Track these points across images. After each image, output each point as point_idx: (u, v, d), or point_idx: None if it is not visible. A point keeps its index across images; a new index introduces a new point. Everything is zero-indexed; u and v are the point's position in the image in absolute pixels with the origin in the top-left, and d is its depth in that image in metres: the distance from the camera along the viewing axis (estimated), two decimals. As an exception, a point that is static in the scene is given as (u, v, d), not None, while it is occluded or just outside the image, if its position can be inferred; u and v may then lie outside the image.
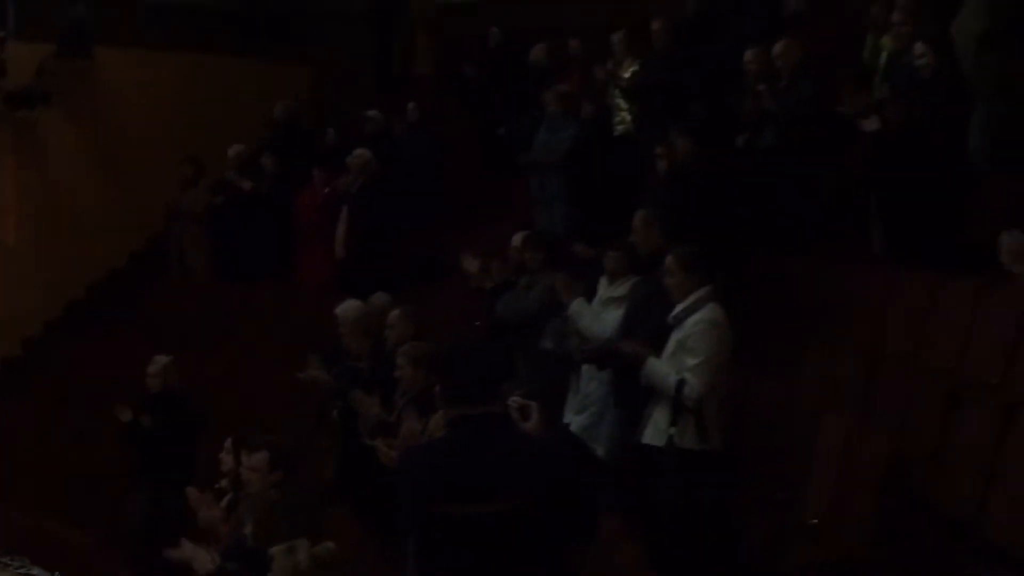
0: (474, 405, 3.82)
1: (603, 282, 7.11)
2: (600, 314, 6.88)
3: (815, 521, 5.90)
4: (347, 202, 11.24)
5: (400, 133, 12.43)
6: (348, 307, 8.34)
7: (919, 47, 7.76)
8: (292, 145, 13.11)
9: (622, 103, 10.35)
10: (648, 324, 6.42)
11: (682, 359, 6.00)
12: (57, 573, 7.71)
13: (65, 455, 10.75)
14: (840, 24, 10.57)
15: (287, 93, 14.43)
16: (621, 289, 6.91)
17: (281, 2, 15.73)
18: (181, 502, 7.63)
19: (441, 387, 4.17)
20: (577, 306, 6.89)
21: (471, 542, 3.85)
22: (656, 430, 6.14)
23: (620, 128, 10.17)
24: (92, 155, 13.91)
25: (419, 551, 4.16)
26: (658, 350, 6.14)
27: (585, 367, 7.00)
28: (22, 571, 7.73)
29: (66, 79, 13.43)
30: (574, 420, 7.11)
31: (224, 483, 7.40)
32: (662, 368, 6.04)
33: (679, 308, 6.15)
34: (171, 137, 14.00)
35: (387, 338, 7.94)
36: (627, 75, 10.54)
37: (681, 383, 5.92)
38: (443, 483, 3.89)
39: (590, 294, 7.08)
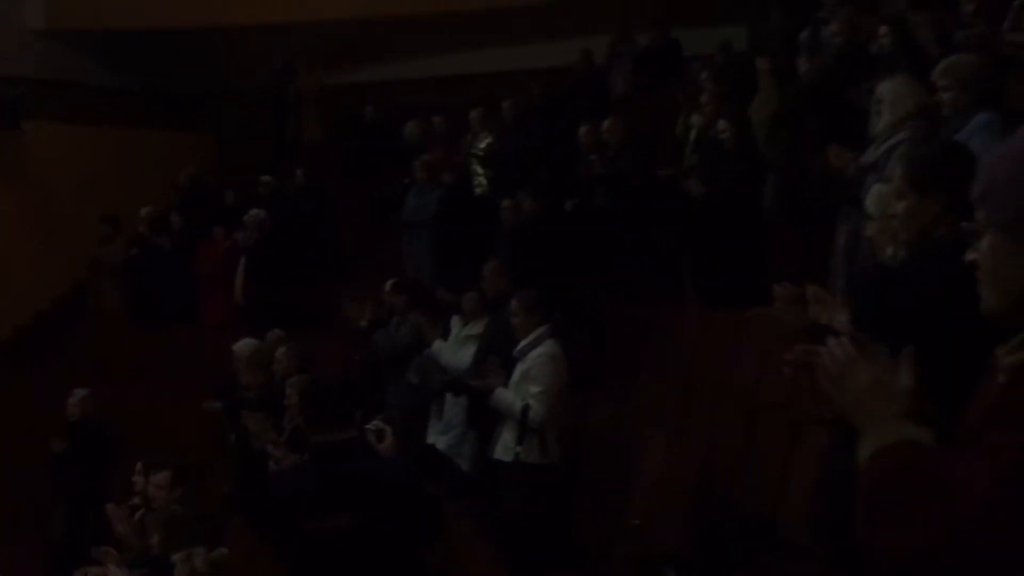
0: (330, 432, 3.91)
1: (457, 322, 7.16)
2: (458, 350, 6.94)
3: (637, 521, 6.00)
4: (244, 254, 11.21)
5: (290, 195, 12.44)
6: (243, 345, 8.28)
7: (722, 124, 7.93)
8: (196, 205, 13.04)
9: (479, 169, 10.40)
10: (499, 357, 6.50)
11: (526, 387, 6.09)
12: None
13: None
14: (658, 104, 10.68)
15: (193, 160, 14.26)
16: (475, 328, 6.98)
17: (189, 82, 15.47)
18: (97, 518, 7.55)
19: (303, 418, 4.27)
20: (438, 344, 6.98)
21: (333, 553, 3.91)
22: (504, 448, 6.22)
23: (478, 190, 10.20)
24: (21, 212, 13.59)
25: (291, 563, 4.20)
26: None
27: (447, 395, 7.05)
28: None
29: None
30: (439, 440, 7.16)
31: (136, 500, 7.29)
32: (508, 396, 6.13)
33: (523, 344, 6.25)
34: (92, 198, 13.69)
35: (275, 371, 7.93)
36: (483, 146, 10.66)
37: (525, 408, 6.01)
38: (305, 502, 3.95)
39: (447, 333, 7.14)
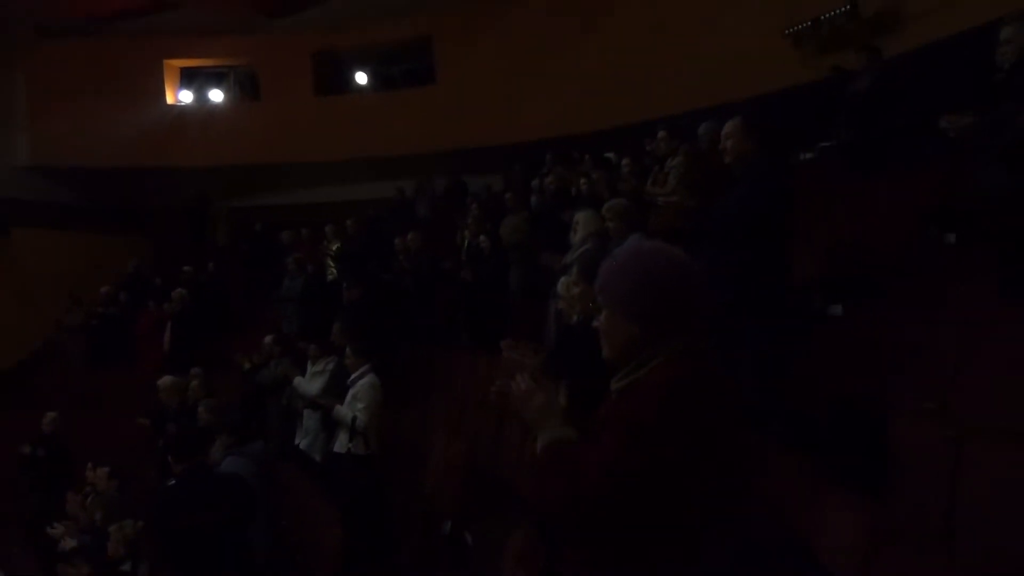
0: (193, 458, 3.94)
1: (311, 364, 7.01)
2: (311, 382, 6.80)
3: (428, 491, 5.98)
4: (171, 320, 10.80)
5: (203, 280, 12.04)
6: (165, 380, 8.06)
7: (482, 237, 8.16)
8: (138, 286, 12.53)
9: (331, 263, 10.32)
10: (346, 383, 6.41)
11: (355, 404, 6.02)
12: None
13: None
14: (446, 224, 10.84)
15: (135, 256, 13.70)
16: (322, 366, 6.86)
17: (135, 202, 14.89)
18: (59, 502, 7.15)
19: (174, 452, 4.29)
20: (298, 380, 6.83)
21: (196, 543, 3.89)
22: (341, 444, 6.10)
23: (330, 277, 10.07)
24: (9, 292, 12.81)
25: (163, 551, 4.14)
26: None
27: (306, 411, 6.89)
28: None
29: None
30: (302, 442, 6.97)
31: (88, 489, 6.93)
32: (343, 410, 6.05)
33: (353, 376, 6.19)
34: (61, 282, 13.03)
35: (189, 397, 7.66)
36: (334, 248, 10.60)
37: (355, 418, 5.93)
38: (177, 507, 3.93)
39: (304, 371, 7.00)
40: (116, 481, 6.41)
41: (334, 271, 10.20)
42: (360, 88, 15.17)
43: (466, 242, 8.99)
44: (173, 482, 4.53)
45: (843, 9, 9.09)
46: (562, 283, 4.12)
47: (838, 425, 3.11)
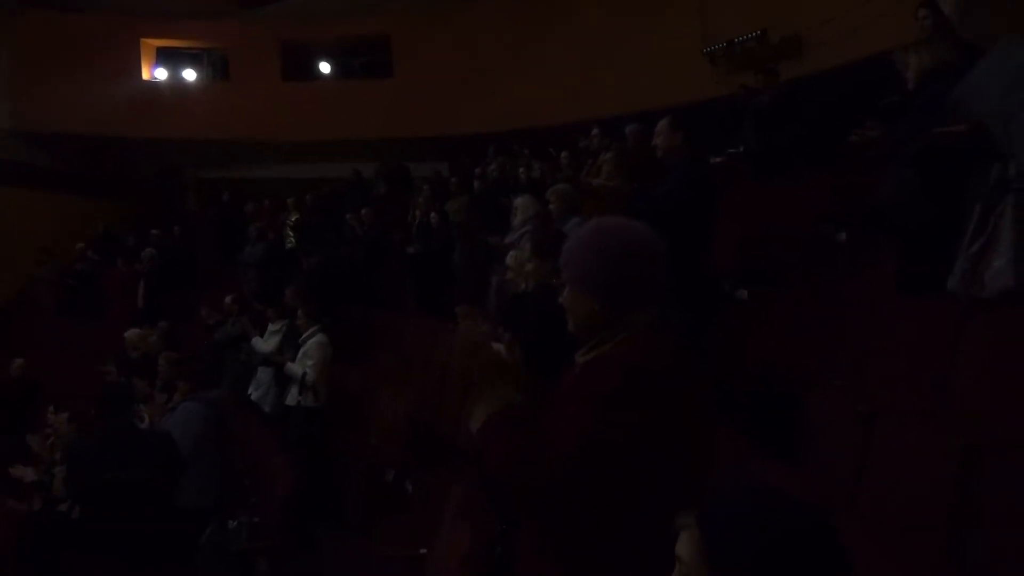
0: (119, 418, 3.63)
1: (270, 325, 6.62)
2: (268, 340, 6.42)
3: (374, 441, 5.72)
4: (143, 278, 10.23)
5: (173, 242, 11.43)
6: (132, 332, 7.64)
7: (432, 215, 7.90)
8: (107, 246, 11.88)
9: (290, 233, 9.87)
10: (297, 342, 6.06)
11: (305, 361, 5.71)
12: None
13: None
14: (399, 202, 10.53)
15: (108, 218, 13.05)
16: (277, 326, 6.47)
17: (109, 167, 14.02)
18: (22, 443, 6.61)
19: (100, 413, 4.00)
20: (256, 338, 6.44)
21: (122, 498, 3.59)
22: (292, 397, 5.82)
23: (288, 245, 9.62)
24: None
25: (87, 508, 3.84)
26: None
27: (260, 367, 6.52)
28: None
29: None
30: (255, 394, 6.59)
31: (49, 431, 6.46)
32: (295, 367, 5.75)
33: (304, 335, 5.88)
34: (35, 238, 12.19)
35: (153, 348, 7.19)
36: (293, 219, 10.16)
37: (304, 374, 5.64)
38: (101, 462, 3.61)
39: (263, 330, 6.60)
40: (75, 423, 5.94)
41: (292, 240, 9.78)
42: (323, 76, 14.72)
43: (417, 219, 8.69)
44: (92, 437, 4.18)
45: (754, 35, 9.09)
46: (512, 257, 3.88)
47: (756, 399, 2.97)
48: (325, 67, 14.70)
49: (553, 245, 3.09)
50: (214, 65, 14.75)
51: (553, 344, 2.12)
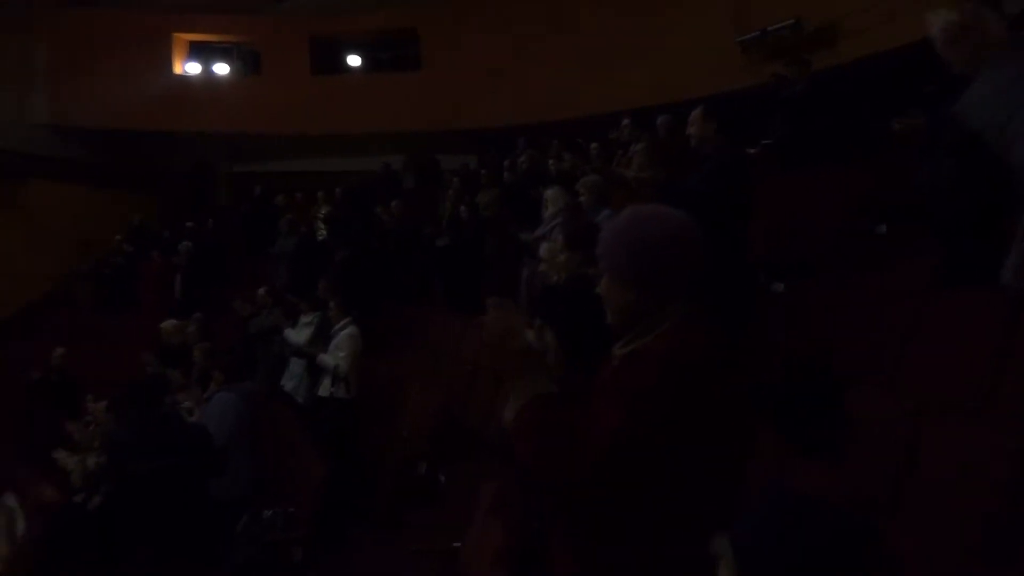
0: (151, 408, 3.62)
1: (302, 317, 6.66)
2: (300, 332, 6.46)
3: (405, 434, 5.72)
4: (179, 270, 10.35)
5: (207, 235, 11.57)
6: (168, 323, 7.78)
7: (462, 208, 7.83)
8: (142, 239, 12.02)
9: (321, 226, 9.92)
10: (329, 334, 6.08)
11: (337, 353, 5.73)
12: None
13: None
14: (429, 195, 10.47)
15: (143, 211, 13.21)
16: (310, 318, 6.52)
17: (144, 162, 14.19)
18: (62, 429, 6.75)
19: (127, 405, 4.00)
20: (288, 330, 6.49)
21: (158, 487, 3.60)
22: (324, 388, 5.86)
23: (319, 237, 9.67)
24: (26, 237, 12.09)
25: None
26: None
27: (293, 358, 6.56)
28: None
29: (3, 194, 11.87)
30: (287, 385, 6.65)
31: (90, 419, 6.60)
32: (327, 358, 5.78)
33: (336, 327, 5.91)
34: (72, 231, 12.51)
35: (187, 340, 7.27)
36: (324, 212, 10.22)
37: (336, 366, 5.65)
38: (138, 451, 3.63)
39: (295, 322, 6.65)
40: (113, 412, 6.02)
41: (323, 232, 9.83)
42: (352, 70, 14.75)
43: (447, 212, 8.66)
44: (130, 426, 4.21)
45: (788, 23, 8.92)
46: (546, 248, 3.84)
47: (794, 395, 2.90)
48: (354, 60, 14.75)
49: (585, 237, 3.05)
50: (245, 59, 14.84)
51: (588, 336, 2.08)
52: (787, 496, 1.03)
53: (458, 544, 3.25)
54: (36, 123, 13.22)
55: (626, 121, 7.25)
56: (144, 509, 3.81)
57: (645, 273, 1.52)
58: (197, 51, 14.64)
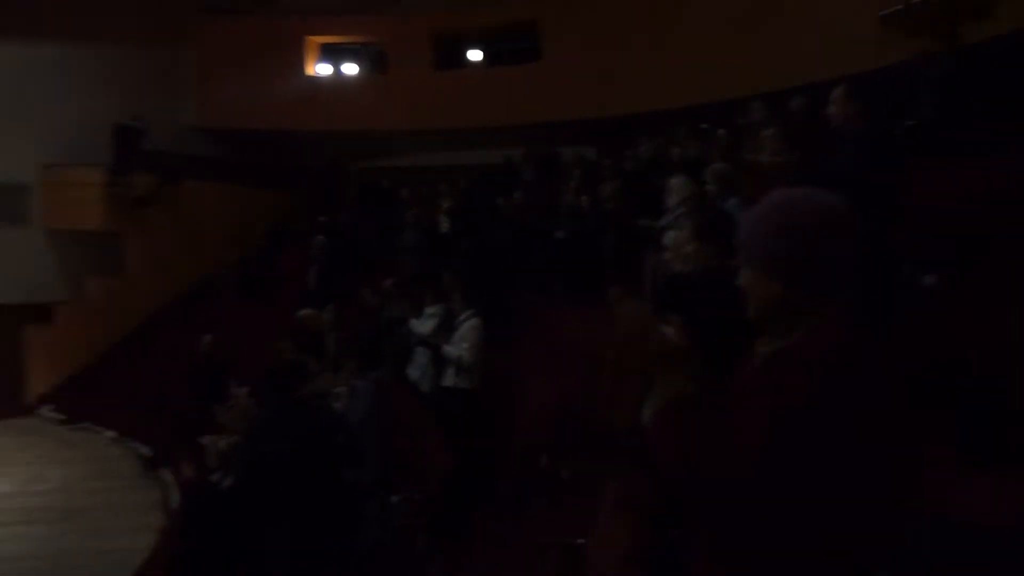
0: (289, 394, 3.74)
1: (426, 307, 6.80)
2: (425, 323, 6.60)
3: (527, 425, 5.72)
4: (315, 262, 10.87)
5: (338, 228, 12.05)
6: (306, 312, 8.02)
7: (583, 198, 7.71)
8: (281, 233, 12.83)
9: (444, 218, 10.12)
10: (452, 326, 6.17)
11: (460, 343, 5.81)
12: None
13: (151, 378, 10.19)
14: (549, 186, 10.37)
15: (282, 207, 14.13)
16: (434, 309, 6.63)
17: (282, 160, 15.09)
18: (211, 413, 7.10)
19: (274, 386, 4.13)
20: (413, 320, 6.65)
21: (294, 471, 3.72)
22: (449, 379, 5.94)
23: (442, 229, 9.86)
24: (179, 232, 13.10)
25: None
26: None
27: (418, 348, 6.71)
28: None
29: (165, 192, 12.71)
30: (412, 374, 6.78)
31: (233, 403, 6.95)
32: (451, 349, 5.85)
33: (460, 318, 5.98)
34: (219, 225, 13.41)
35: (324, 328, 7.64)
36: (446, 205, 10.45)
37: (460, 356, 5.73)
38: (278, 435, 3.77)
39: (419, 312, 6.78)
40: (255, 399, 6.37)
41: (446, 225, 10.01)
42: (473, 64, 14.96)
43: (567, 203, 8.60)
44: (272, 410, 4.38)
45: (936, -6, 8.18)
46: (671, 237, 3.71)
47: (953, 399, 2.63)
48: (475, 55, 14.95)
49: (715, 226, 2.91)
50: (372, 58, 15.39)
51: (721, 331, 1.96)
52: None
53: (582, 541, 3.19)
54: (186, 126, 14.34)
55: (757, 104, 6.91)
56: (277, 491, 3.97)
57: (795, 264, 1.39)
58: (328, 52, 15.36)
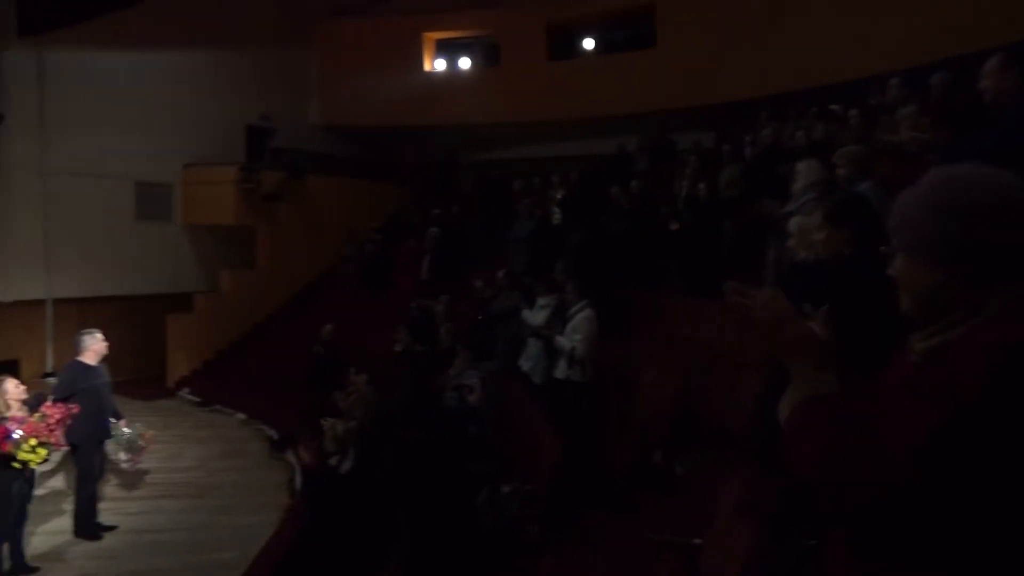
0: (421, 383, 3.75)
1: (538, 299, 6.75)
2: (537, 314, 6.56)
3: (641, 419, 5.57)
4: (428, 254, 11.19)
5: (452, 221, 12.23)
6: (420, 302, 8.33)
7: (701, 186, 7.40)
8: (397, 225, 13.03)
9: (556, 210, 10.06)
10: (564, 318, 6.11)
11: (573, 335, 5.73)
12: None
13: (277, 365, 10.65)
14: (661, 175, 10.14)
15: (396, 200, 14.47)
16: (546, 301, 6.58)
17: (398, 156, 15.55)
18: (331, 398, 7.45)
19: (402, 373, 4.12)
20: (526, 311, 6.62)
21: (415, 457, 3.67)
22: (561, 370, 5.90)
23: (555, 222, 9.80)
24: (303, 226, 13.65)
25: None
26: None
27: (530, 339, 6.69)
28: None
29: (292, 188, 13.22)
30: (524, 365, 6.78)
31: (351, 389, 7.19)
32: (564, 340, 5.80)
33: (572, 310, 5.91)
34: (340, 218, 13.87)
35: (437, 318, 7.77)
36: (559, 196, 10.34)
37: (573, 348, 5.66)
38: (403, 421, 3.76)
39: (532, 303, 6.75)
40: (373, 387, 6.55)
41: (559, 216, 9.94)
42: (586, 53, 14.79)
43: (684, 191, 8.34)
44: (396, 397, 4.44)
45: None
46: (796, 223, 3.47)
47: None
48: (588, 43, 14.77)
49: (846, 211, 2.68)
50: (487, 52, 15.51)
51: (864, 322, 1.79)
52: None
53: (699, 541, 3.04)
54: (311, 124, 14.96)
55: (894, 80, 6.39)
56: (400, 476, 4.03)
57: (960, 249, 1.22)
58: (444, 48, 15.62)
